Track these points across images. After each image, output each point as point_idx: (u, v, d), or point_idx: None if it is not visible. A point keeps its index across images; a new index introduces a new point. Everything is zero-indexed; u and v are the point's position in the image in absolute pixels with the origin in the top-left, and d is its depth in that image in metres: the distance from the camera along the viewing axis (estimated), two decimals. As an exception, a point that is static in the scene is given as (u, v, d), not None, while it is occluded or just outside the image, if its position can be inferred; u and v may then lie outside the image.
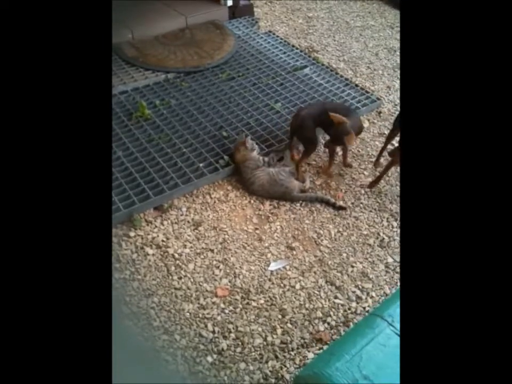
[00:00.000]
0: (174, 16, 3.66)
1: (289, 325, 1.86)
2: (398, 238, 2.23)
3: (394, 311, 1.29)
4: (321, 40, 3.80)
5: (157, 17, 3.63)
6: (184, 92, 3.06)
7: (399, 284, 2.03)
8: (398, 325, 1.25)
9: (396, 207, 2.37)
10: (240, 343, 1.79)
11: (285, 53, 3.51)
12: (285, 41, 3.67)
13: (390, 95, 3.18)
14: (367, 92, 3.11)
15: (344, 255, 2.15)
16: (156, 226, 2.22)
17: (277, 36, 3.73)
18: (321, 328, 1.86)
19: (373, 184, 2.47)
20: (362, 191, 2.47)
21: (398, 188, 2.46)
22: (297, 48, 3.57)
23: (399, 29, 3.97)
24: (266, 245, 2.17)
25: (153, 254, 2.09)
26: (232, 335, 1.81)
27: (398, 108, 3.05)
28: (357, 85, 3.18)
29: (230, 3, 3.81)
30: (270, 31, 3.82)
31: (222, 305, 1.91)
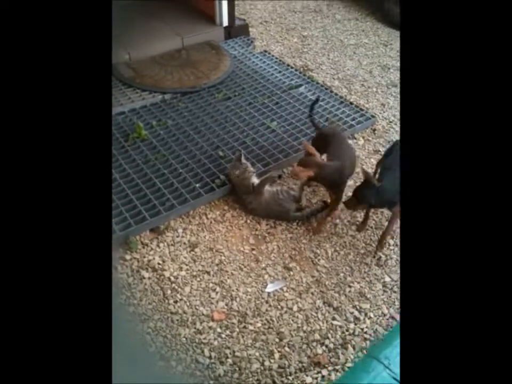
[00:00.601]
0: (170, 37, 3.71)
1: (286, 348, 1.84)
2: (395, 257, 2.21)
3: (391, 353, 1.24)
4: (315, 59, 3.84)
5: (154, 38, 3.68)
6: (181, 112, 3.08)
7: (397, 304, 2.01)
8: (394, 368, 1.20)
9: (392, 225, 2.36)
10: (237, 368, 1.76)
11: (280, 72, 3.55)
12: (280, 60, 3.71)
13: (384, 112, 3.20)
14: (362, 110, 3.13)
15: (342, 274, 2.13)
16: (152, 249, 2.21)
17: (272, 55, 3.78)
18: (319, 351, 1.83)
19: (361, 227, 2.35)
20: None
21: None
22: (292, 67, 3.61)
23: (392, 46, 4.02)
24: (263, 265, 2.16)
25: (149, 278, 2.08)
26: (229, 360, 1.78)
27: (393, 125, 3.07)
28: (351, 103, 3.20)
29: (225, 23, 3.86)
30: (265, 51, 3.86)
31: (219, 330, 1.89)
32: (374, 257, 2.21)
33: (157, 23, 3.83)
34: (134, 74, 3.36)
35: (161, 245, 2.23)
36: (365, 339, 1.87)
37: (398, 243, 2.28)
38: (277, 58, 3.74)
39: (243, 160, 2.47)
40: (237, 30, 3.95)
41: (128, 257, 2.15)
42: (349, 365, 1.79)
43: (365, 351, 1.83)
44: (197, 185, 2.49)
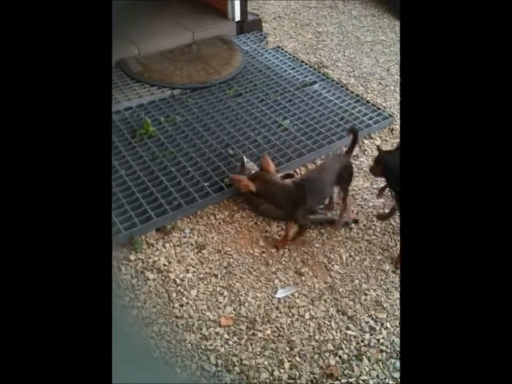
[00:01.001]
0: (181, 31, 3.62)
1: (297, 358, 1.73)
2: (413, 264, 2.09)
3: None
4: (331, 56, 3.72)
5: (164, 32, 3.60)
6: (190, 109, 2.99)
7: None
8: None
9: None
10: (245, 377, 1.67)
11: (293, 68, 3.44)
12: (293, 56, 3.60)
13: (402, 111, 3.07)
14: (379, 109, 3.01)
15: (357, 281, 2.02)
16: (158, 249, 2.12)
17: (286, 51, 3.67)
18: (332, 362, 1.73)
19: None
20: (375, 212, 2.35)
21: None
22: (306, 64, 3.50)
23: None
24: (274, 269, 2.06)
25: (153, 279, 1.99)
26: (237, 368, 1.69)
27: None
28: (368, 101, 3.08)
29: (238, 18, 3.77)
30: (278, 47, 3.76)
31: (226, 336, 1.79)
32: (392, 263, 2.10)
33: (167, 17, 3.75)
34: (142, 69, 3.28)
35: (167, 245, 2.14)
36: (381, 351, 1.76)
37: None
38: (290, 54, 3.63)
39: (246, 165, 2.35)
40: (249, 25, 3.86)
41: (132, 257, 2.07)
42: (364, 377, 1.68)
43: (381, 364, 1.72)
44: (206, 184, 2.39)
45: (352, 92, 3.19)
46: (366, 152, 2.72)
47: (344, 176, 2.15)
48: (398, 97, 3.22)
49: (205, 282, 1.99)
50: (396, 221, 2.29)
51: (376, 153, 2.66)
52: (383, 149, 2.24)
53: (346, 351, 1.77)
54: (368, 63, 3.63)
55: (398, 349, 1.77)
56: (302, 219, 2.09)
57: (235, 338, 1.79)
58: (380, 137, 2.83)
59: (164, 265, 2.05)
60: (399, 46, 3.82)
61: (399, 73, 3.50)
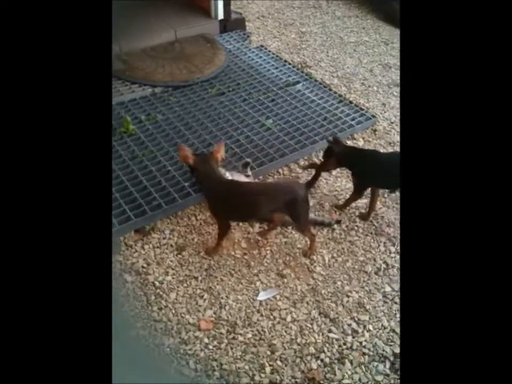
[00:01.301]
0: (163, 29, 3.56)
1: (279, 362, 1.70)
2: (396, 265, 2.08)
3: None
4: (314, 56, 3.71)
5: (146, 30, 3.53)
6: (172, 107, 2.93)
7: (399, 316, 1.88)
8: None
9: (393, 231, 2.23)
10: (225, 382, 1.64)
11: (277, 68, 3.41)
12: (277, 56, 3.57)
13: (385, 112, 3.08)
14: (362, 109, 3.00)
15: (339, 283, 2.00)
16: (136, 251, 2.06)
17: (269, 51, 3.64)
18: (314, 366, 1.70)
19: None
20: (357, 213, 2.34)
21: (395, 210, 2.33)
22: (289, 64, 3.48)
23: (393, 45, 3.90)
24: (255, 271, 2.02)
25: (132, 282, 1.94)
26: (216, 373, 1.66)
27: (394, 125, 2.94)
28: (351, 102, 3.07)
29: (221, 17, 3.72)
30: (262, 46, 3.73)
31: (206, 340, 1.75)
32: (374, 265, 2.08)
33: (149, 14, 3.68)
34: (124, 66, 3.21)
35: (146, 247, 2.09)
36: (364, 354, 1.74)
37: (399, 250, 2.15)
38: (273, 54, 3.60)
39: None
40: (232, 24, 3.82)
41: (110, 259, 2.01)
42: (346, 381, 1.66)
43: (363, 367, 1.70)
44: (186, 184, 2.34)
45: (335, 92, 3.17)
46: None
47: (295, 209, 1.92)
48: (381, 98, 3.22)
49: (185, 285, 1.94)
50: (378, 221, 2.28)
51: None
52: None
53: (328, 354, 1.74)
54: (351, 64, 3.63)
55: (380, 351, 1.75)
56: (221, 220, 2.01)
57: (215, 342, 1.75)
58: (363, 138, 2.82)
59: (143, 267, 2.00)
60: (382, 47, 3.84)
61: (382, 74, 3.51)
